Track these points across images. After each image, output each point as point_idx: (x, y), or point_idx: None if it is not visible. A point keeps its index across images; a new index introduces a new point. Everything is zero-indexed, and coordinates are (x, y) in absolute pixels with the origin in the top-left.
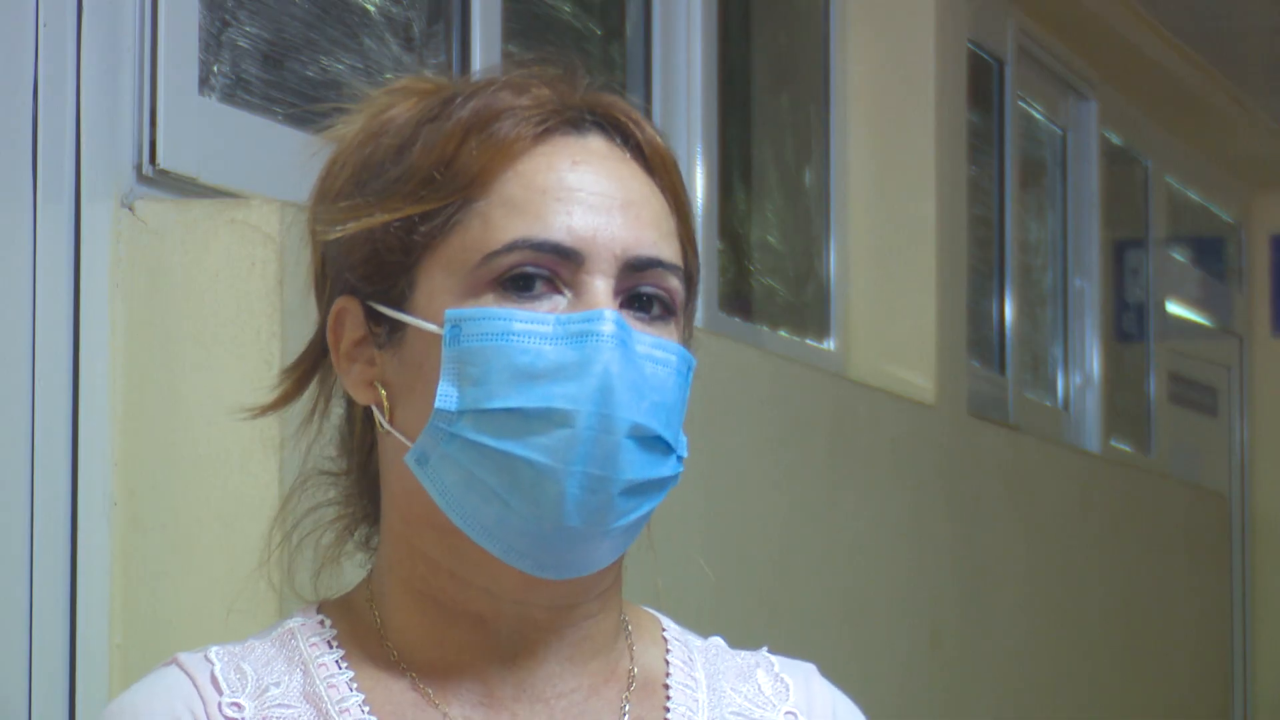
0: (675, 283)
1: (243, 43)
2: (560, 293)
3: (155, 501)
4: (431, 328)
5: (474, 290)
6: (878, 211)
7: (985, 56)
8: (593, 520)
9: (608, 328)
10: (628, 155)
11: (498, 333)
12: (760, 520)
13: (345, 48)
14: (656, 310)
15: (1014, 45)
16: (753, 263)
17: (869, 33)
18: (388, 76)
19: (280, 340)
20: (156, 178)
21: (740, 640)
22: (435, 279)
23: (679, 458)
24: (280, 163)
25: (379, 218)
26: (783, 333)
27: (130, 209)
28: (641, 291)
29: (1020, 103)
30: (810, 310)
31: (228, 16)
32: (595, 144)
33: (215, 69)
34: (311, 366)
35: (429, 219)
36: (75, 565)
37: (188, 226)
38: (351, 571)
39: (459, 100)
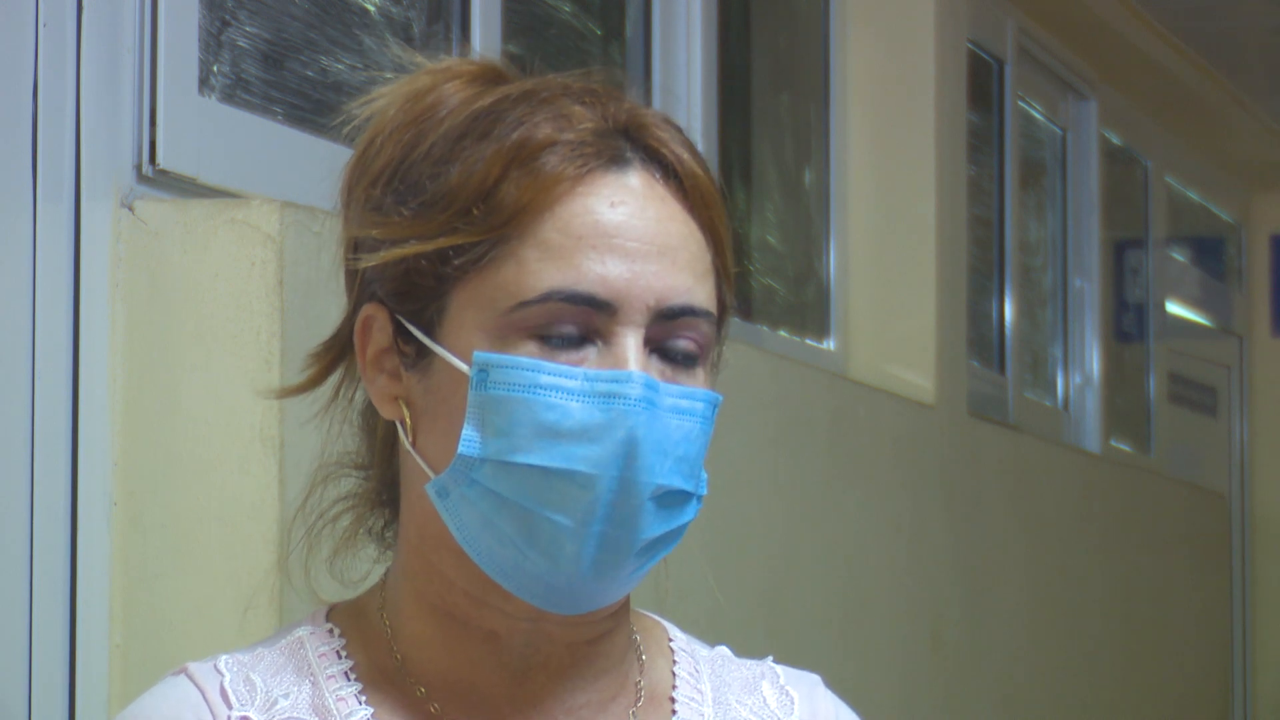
0: (707, 328)
1: (243, 43)
2: (591, 342)
3: (155, 501)
4: (461, 366)
5: (503, 334)
6: (878, 211)
7: (985, 56)
8: (608, 575)
9: (635, 390)
10: (668, 193)
11: (525, 384)
12: (760, 520)
13: (345, 48)
14: (686, 358)
15: (1014, 45)
16: (753, 263)
17: (869, 33)
18: (388, 76)
19: (280, 340)
20: (156, 178)
21: (739, 642)
22: (466, 313)
23: (699, 498)
24: (280, 163)
25: (413, 246)
26: (783, 333)
27: (130, 209)
28: (672, 343)
29: (1020, 103)
30: (810, 310)
31: (228, 16)
32: (635, 181)
33: (215, 69)
34: (339, 354)
35: (463, 252)
36: (75, 565)
37: (188, 226)
38: (366, 565)
39: (503, 126)
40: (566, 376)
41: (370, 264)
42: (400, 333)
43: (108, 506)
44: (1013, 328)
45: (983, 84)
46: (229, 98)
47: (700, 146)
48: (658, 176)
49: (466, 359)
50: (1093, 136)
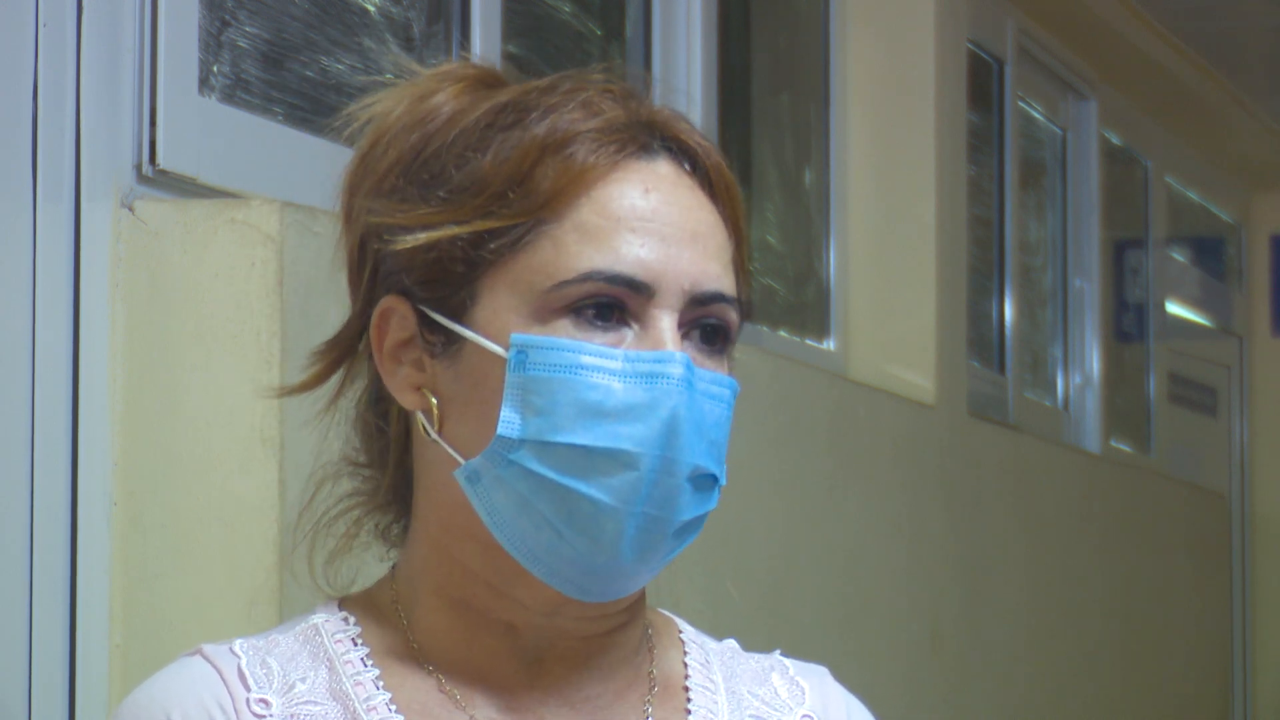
0: (734, 315)
1: (243, 43)
2: (627, 324)
3: (155, 501)
4: (497, 349)
5: (542, 315)
6: (878, 211)
7: (985, 56)
8: (644, 558)
9: (677, 370)
10: (695, 182)
11: (566, 365)
12: (760, 520)
13: (345, 48)
14: (716, 343)
15: (1014, 45)
16: (753, 263)
17: (869, 33)
18: (388, 77)
19: (280, 340)
20: (156, 178)
21: (740, 641)
22: (500, 297)
23: (719, 486)
24: (280, 163)
25: (450, 230)
26: (783, 333)
27: (130, 209)
28: (704, 324)
29: (1020, 103)
30: (810, 310)
31: (228, 16)
32: (665, 169)
33: (215, 69)
34: (344, 353)
35: (498, 235)
36: (75, 565)
37: (188, 226)
38: (367, 562)
39: (533, 115)
40: (608, 357)
41: (403, 247)
42: (425, 322)
43: (108, 506)
44: (1013, 328)
45: (983, 84)
46: (229, 98)
47: None
48: (685, 167)
49: (501, 343)
50: (1093, 136)
